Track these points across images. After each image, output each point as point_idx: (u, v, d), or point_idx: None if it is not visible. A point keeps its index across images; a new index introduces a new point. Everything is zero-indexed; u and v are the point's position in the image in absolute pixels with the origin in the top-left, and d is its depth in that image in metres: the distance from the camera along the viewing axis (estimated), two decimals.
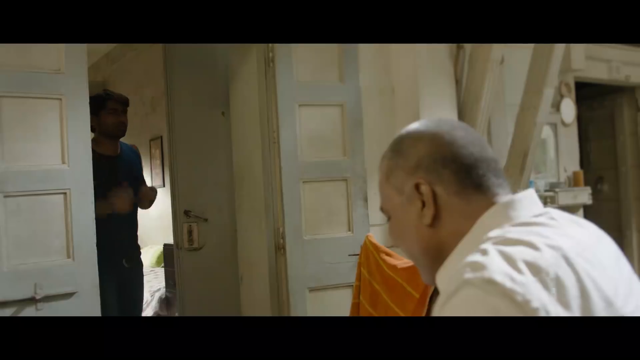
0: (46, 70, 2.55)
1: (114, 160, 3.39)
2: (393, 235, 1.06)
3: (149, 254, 6.60)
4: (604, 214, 5.90)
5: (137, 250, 3.57)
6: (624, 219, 5.85)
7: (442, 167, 0.96)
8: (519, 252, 0.80)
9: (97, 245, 2.67)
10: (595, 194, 5.34)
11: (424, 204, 0.96)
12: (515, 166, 4.00)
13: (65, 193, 2.54)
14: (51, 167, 2.53)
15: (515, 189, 3.45)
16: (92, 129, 3.17)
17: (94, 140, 3.10)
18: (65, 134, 2.56)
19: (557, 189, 4.53)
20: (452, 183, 0.96)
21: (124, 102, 3.45)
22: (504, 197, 0.96)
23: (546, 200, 4.43)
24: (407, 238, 1.02)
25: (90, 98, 2.96)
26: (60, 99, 2.56)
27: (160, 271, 6.12)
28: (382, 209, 1.07)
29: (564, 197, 4.53)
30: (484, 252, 0.82)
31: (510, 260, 0.79)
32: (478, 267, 0.79)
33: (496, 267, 0.78)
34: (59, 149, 2.55)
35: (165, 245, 5.83)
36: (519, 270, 0.78)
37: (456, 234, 0.95)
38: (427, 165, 0.97)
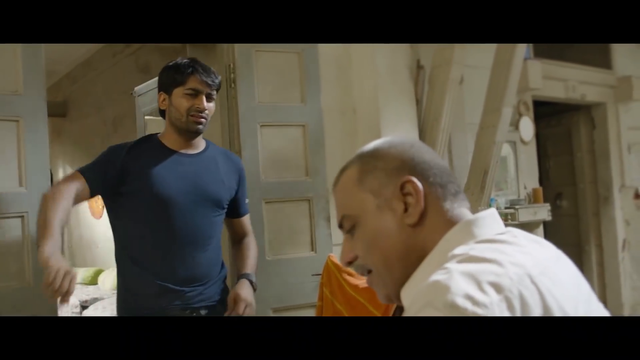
0: (3, 91, 2.51)
1: (186, 160, 2.30)
2: (358, 246, 1.01)
3: (112, 276, 6.50)
4: (564, 229, 6.01)
5: (213, 303, 2.32)
6: (582, 234, 5.96)
7: (425, 170, 0.98)
8: (483, 271, 0.81)
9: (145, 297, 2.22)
10: (554, 210, 5.44)
11: (405, 205, 0.96)
12: (476, 184, 4.06)
13: (22, 216, 2.49)
14: (8, 190, 2.48)
15: (476, 207, 3.51)
16: (162, 113, 2.36)
17: (164, 133, 2.35)
18: (23, 157, 2.51)
19: (517, 206, 4.60)
20: (437, 185, 0.98)
21: (212, 83, 2.27)
22: (468, 214, 0.98)
23: (507, 217, 4.50)
24: (380, 245, 0.98)
25: (166, 67, 2.31)
26: (18, 121, 2.52)
27: None
28: (343, 219, 1.03)
29: (524, 214, 4.60)
30: (448, 272, 0.82)
31: (474, 279, 0.79)
32: (440, 288, 0.79)
33: (458, 288, 0.78)
34: (16, 172, 2.51)
35: None
36: (482, 291, 0.78)
37: (435, 239, 0.95)
38: (412, 167, 0.98)
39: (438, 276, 0.82)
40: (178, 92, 2.24)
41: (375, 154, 1.02)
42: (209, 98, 2.27)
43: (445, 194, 0.98)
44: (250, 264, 2.43)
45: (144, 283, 2.22)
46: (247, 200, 2.51)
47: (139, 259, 2.24)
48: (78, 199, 2.17)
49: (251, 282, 2.34)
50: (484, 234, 0.93)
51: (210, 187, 2.30)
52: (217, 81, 2.29)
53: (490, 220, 0.97)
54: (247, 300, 2.24)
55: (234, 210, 2.45)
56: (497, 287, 0.78)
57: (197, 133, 2.29)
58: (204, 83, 2.23)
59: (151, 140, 2.34)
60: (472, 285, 0.78)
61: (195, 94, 2.23)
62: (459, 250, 0.88)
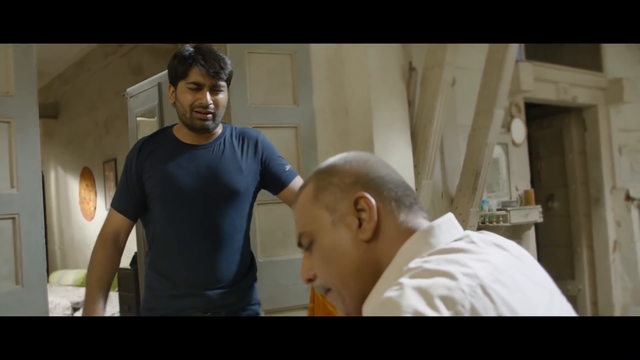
0: None
1: (199, 153, 2.14)
2: (316, 263, 1.01)
3: None
4: (555, 231, 6.03)
5: (236, 309, 2.17)
6: (574, 235, 5.98)
7: (380, 185, 0.99)
8: (434, 286, 0.80)
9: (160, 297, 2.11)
10: (546, 211, 5.46)
11: (360, 221, 0.97)
12: (468, 186, 4.08)
13: (14, 218, 2.48)
14: None
15: (468, 208, 3.50)
16: (175, 104, 2.17)
17: (178, 125, 2.19)
18: (14, 158, 2.51)
19: (509, 208, 4.61)
20: (391, 199, 0.98)
21: (216, 74, 2.06)
22: (424, 224, 0.98)
23: (498, 219, 4.51)
24: (336, 261, 0.98)
25: (172, 57, 2.12)
26: (9, 122, 2.52)
27: (115, 295, 6.02)
28: (301, 236, 1.03)
29: (516, 216, 4.61)
30: (400, 288, 0.82)
31: (425, 295, 0.79)
32: (391, 305, 0.79)
33: (408, 305, 0.78)
34: (7, 173, 2.50)
35: (120, 269, 5.74)
36: (433, 307, 0.78)
37: (391, 252, 0.95)
38: (365, 182, 0.99)
39: (390, 292, 0.82)
40: (182, 85, 2.06)
41: (330, 171, 1.02)
42: (215, 90, 2.06)
43: (399, 207, 0.98)
44: None
45: (162, 286, 2.12)
46: (287, 167, 2.26)
47: (156, 261, 2.14)
48: (125, 235, 2.16)
49: None
50: (440, 242, 0.93)
51: (226, 178, 2.12)
52: (224, 71, 2.07)
53: (446, 226, 0.97)
54: None
55: (275, 184, 2.24)
56: (448, 302, 0.78)
57: (205, 130, 2.09)
58: (206, 75, 2.03)
59: (165, 133, 2.20)
60: (422, 302, 0.78)
61: (198, 87, 2.04)
62: (414, 263, 0.88)
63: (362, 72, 3.66)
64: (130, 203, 2.14)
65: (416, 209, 1.00)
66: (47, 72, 7.82)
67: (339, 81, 3.71)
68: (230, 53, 3.06)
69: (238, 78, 3.08)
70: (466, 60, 4.33)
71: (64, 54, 7.15)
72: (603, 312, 5.65)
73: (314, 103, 3.28)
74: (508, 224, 4.49)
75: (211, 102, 2.05)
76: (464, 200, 4.09)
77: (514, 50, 4.07)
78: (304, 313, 2.90)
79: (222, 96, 2.10)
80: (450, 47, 3.75)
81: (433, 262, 0.86)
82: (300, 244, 1.04)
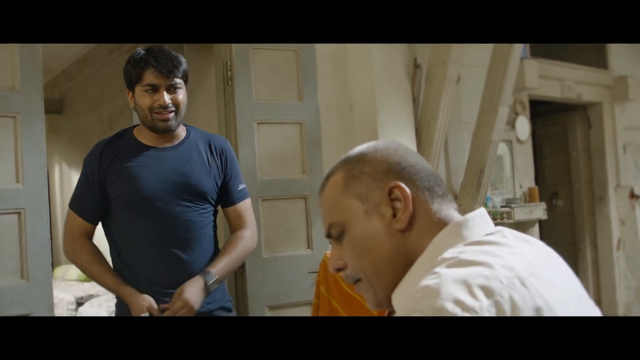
0: (0, 88, 2.51)
1: (164, 155, 2.12)
2: (347, 253, 1.00)
3: None
4: (559, 228, 6.02)
5: (211, 308, 2.17)
6: (578, 233, 5.97)
7: (412, 174, 0.98)
8: (473, 275, 0.81)
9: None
10: (550, 209, 5.45)
11: (394, 210, 0.96)
12: (472, 183, 4.07)
13: (19, 213, 2.49)
14: (5, 186, 2.48)
15: (472, 205, 3.52)
16: (135, 109, 2.15)
17: (139, 127, 2.18)
18: (20, 153, 2.52)
19: (513, 205, 4.61)
20: (424, 189, 0.97)
21: (170, 73, 2.04)
22: (457, 216, 0.98)
23: (503, 216, 4.51)
24: (369, 252, 0.97)
25: (126, 61, 2.12)
26: (15, 117, 2.53)
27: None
28: (331, 226, 1.01)
29: (520, 213, 4.61)
30: (438, 276, 0.82)
31: (464, 283, 0.79)
32: (430, 293, 0.79)
33: (448, 293, 0.78)
34: (13, 168, 2.51)
35: None
36: (472, 295, 0.78)
37: (424, 243, 0.95)
38: (398, 171, 0.98)
39: (428, 281, 0.82)
40: (138, 89, 2.05)
41: (361, 159, 1.01)
42: (172, 90, 2.05)
43: (432, 196, 0.97)
44: (221, 263, 2.14)
45: (137, 289, 2.07)
46: (241, 186, 2.25)
47: (129, 263, 2.10)
48: (90, 234, 2.15)
49: (206, 284, 2.07)
50: (473, 235, 0.93)
51: (193, 179, 2.11)
52: (178, 70, 2.05)
53: (479, 220, 0.97)
54: (188, 302, 2.00)
55: (224, 197, 2.23)
56: (487, 291, 0.79)
57: (168, 130, 2.08)
58: (160, 76, 2.02)
59: (126, 136, 2.16)
60: (462, 290, 0.78)
61: (154, 89, 2.03)
62: (448, 253, 0.88)
63: (367, 69, 3.66)
64: (94, 208, 2.12)
65: (448, 200, 0.99)
66: (52, 68, 7.83)
67: (343, 78, 3.71)
68: (236, 49, 3.06)
69: (243, 74, 3.08)
70: (471, 58, 4.32)
71: (68, 50, 7.16)
72: (607, 311, 5.64)
73: (318, 99, 3.28)
74: (512, 221, 4.48)
75: (169, 101, 2.04)
76: (468, 197, 4.09)
77: (519, 47, 4.06)
78: (308, 309, 2.90)
79: (181, 94, 2.08)
80: (455, 44, 3.74)
81: (469, 253, 0.86)
82: (329, 235, 1.02)
